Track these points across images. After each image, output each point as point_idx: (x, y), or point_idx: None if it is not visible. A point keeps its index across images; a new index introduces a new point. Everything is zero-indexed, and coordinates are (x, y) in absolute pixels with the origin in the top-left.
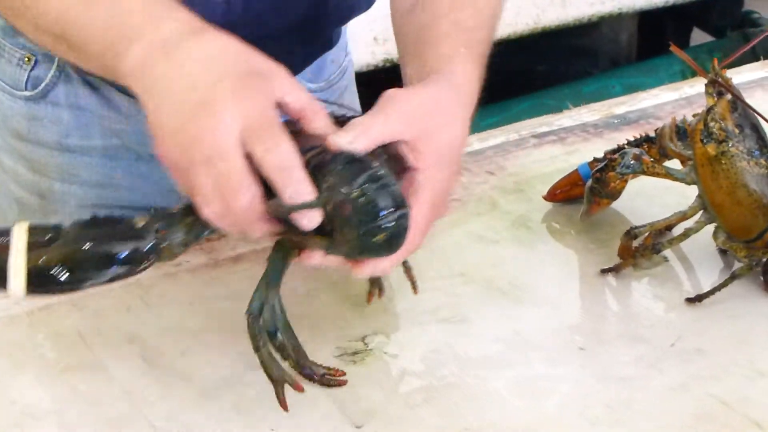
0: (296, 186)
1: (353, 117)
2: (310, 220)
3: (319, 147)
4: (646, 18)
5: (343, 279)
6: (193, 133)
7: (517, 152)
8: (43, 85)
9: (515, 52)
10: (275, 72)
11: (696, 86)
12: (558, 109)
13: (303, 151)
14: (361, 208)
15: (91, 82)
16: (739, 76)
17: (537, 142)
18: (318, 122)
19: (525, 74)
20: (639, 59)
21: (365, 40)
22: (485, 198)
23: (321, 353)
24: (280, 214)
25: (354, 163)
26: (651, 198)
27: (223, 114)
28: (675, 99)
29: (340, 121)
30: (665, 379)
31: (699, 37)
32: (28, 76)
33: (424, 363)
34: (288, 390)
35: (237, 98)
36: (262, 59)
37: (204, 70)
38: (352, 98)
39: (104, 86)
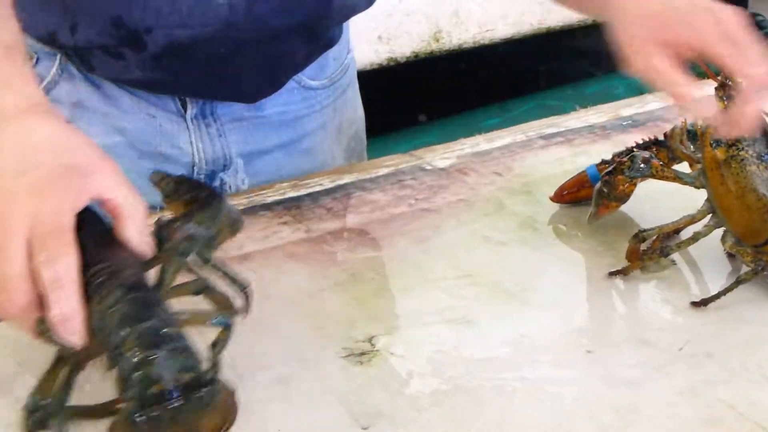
0: (63, 306)
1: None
2: (75, 339)
3: (111, 264)
4: None
5: (350, 279)
6: None
7: (524, 153)
8: (45, 83)
9: (518, 53)
10: (98, 168)
11: (707, 87)
12: (561, 110)
13: (97, 263)
14: (135, 382)
15: (93, 80)
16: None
17: (544, 143)
18: (129, 226)
19: (528, 75)
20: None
21: (369, 38)
22: (492, 199)
23: (327, 354)
24: (45, 333)
25: (138, 298)
26: (659, 201)
27: (14, 211)
28: None
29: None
30: (673, 382)
31: None
32: None
33: (430, 364)
34: (296, 389)
35: (33, 196)
36: (91, 153)
37: (17, 156)
38: (354, 96)
39: (106, 83)
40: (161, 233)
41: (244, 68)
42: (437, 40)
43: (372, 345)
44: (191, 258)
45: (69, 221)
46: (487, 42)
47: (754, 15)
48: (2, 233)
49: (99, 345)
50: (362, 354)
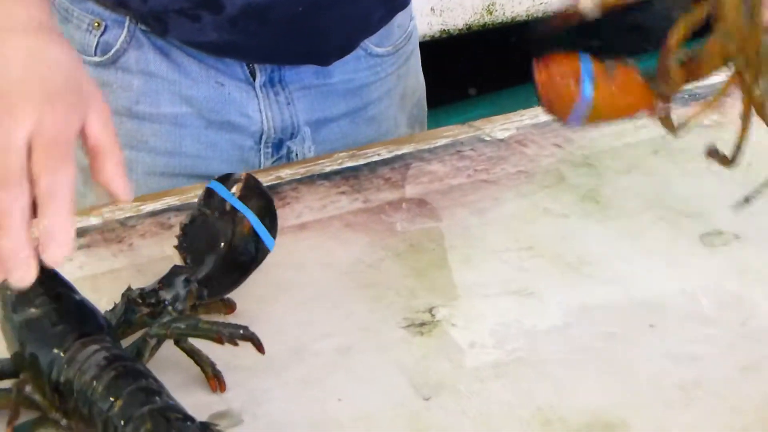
0: (54, 217)
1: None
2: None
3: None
4: None
5: (409, 249)
6: None
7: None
8: (113, 51)
9: (571, 27)
10: (98, 103)
11: None
12: None
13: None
14: None
15: (162, 47)
16: None
17: None
18: (108, 163)
19: (582, 49)
20: (692, 36)
21: (422, 10)
22: (552, 171)
23: (387, 324)
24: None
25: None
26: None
27: (24, 107)
28: None
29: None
30: (737, 359)
31: None
32: (98, 42)
33: (493, 336)
34: (357, 359)
35: (45, 102)
36: (95, 87)
37: (27, 66)
38: (416, 64)
39: (175, 51)
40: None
41: (321, 29)
42: (490, 13)
43: (432, 316)
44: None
45: (73, 135)
46: (540, 15)
47: None
48: (8, 125)
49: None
50: (423, 324)
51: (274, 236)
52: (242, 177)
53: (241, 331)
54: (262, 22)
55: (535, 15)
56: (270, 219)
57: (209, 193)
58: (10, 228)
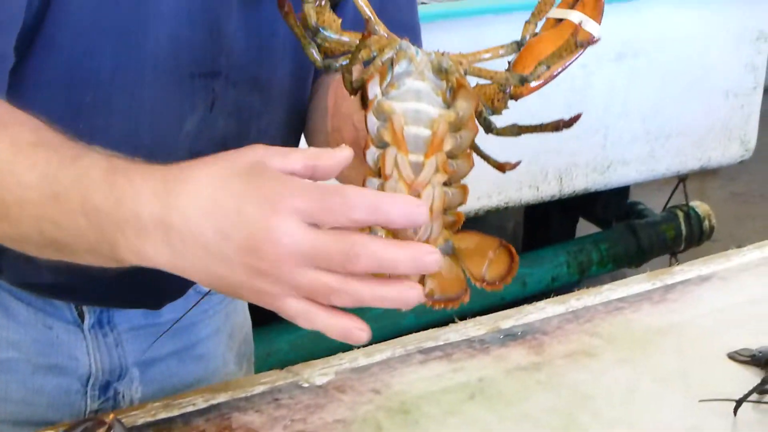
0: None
1: None
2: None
3: None
4: (532, 207)
5: None
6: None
7: (403, 369)
8: None
9: None
10: (263, 156)
11: (582, 299)
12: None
13: None
14: None
15: None
16: (626, 288)
17: (423, 358)
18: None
19: None
20: (525, 246)
21: None
22: (369, 419)
23: None
24: None
25: None
26: None
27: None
28: (562, 312)
29: None
30: None
31: (585, 227)
32: None
33: None
34: None
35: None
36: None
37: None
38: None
39: (2, 294)
40: None
41: (156, 273)
42: None
43: None
44: None
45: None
46: None
47: (634, 204)
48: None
49: None
50: None
51: None
52: None
53: None
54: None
55: None
56: None
57: None
58: None
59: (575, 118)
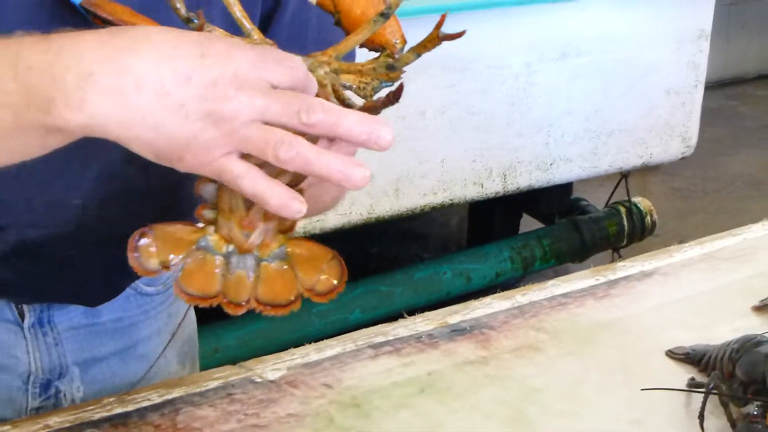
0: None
1: None
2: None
3: None
4: (476, 203)
5: None
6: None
7: (354, 364)
8: None
9: (347, 236)
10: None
11: (528, 294)
12: (391, 294)
13: None
14: None
15: None
16: (570, 284)
17: (373, 353)
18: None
19: (358, 257)
20: (470, 241)
21: None
22: (322, 413)
23: None
24: None
25: None
26: None
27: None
28: (507, 308)
29: None
30: None
31: (528, 223)
32: None
33: None
34: None
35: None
36: None
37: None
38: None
39: None
40: None
41: (90, 271)
42: None
43: None
44: None
45: None
46: (317, 231)
47: (577, 200)
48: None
49: None
50: None
51: None
52: None
53: None
54: (32, 261)
55: (312, 232)
56: None
57: None
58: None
59: (399, 89)
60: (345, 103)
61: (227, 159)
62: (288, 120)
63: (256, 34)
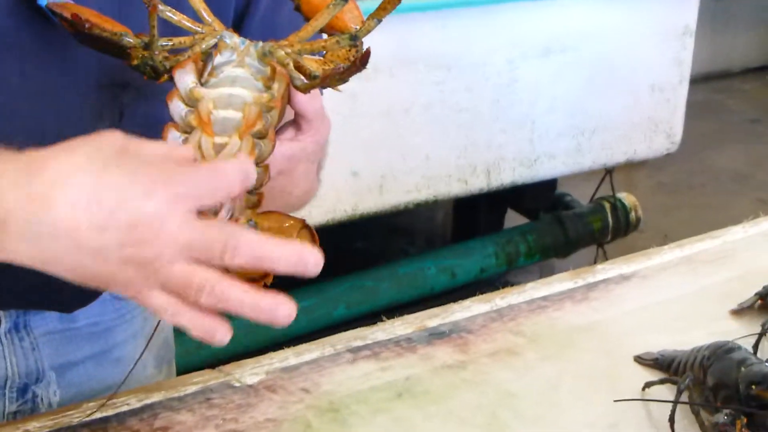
0: None
1: None
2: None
3: None
4: (461, 198)
5: None
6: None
7: (333, 368)
8: None
9: (332, 231)
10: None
11: (507, 298)
12: (376, 290)
13: None
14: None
15: None
16: (549, 287)
17: (352, 358)
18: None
19: (343, 253)
20: (454, 237)
21: None
22: (300, 418)
23: None
24: None
25: None
26: None
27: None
28: (486, 311)
29: None
30: None
31: (513, 218)
32: None
33: None
34: None
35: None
36: None
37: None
38: None
39: None
40: None
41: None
42: None
43: None
44: None
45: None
46: None
47: (562, 195)
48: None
49: None
50: None
51: None
52: None
53: None
54: (8, 268)
55: None
56: None
57: None
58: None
59: (366, 54)
60: (311, 76)
61: (150, 293)
62: (212, 259)
63: (217, 25)
